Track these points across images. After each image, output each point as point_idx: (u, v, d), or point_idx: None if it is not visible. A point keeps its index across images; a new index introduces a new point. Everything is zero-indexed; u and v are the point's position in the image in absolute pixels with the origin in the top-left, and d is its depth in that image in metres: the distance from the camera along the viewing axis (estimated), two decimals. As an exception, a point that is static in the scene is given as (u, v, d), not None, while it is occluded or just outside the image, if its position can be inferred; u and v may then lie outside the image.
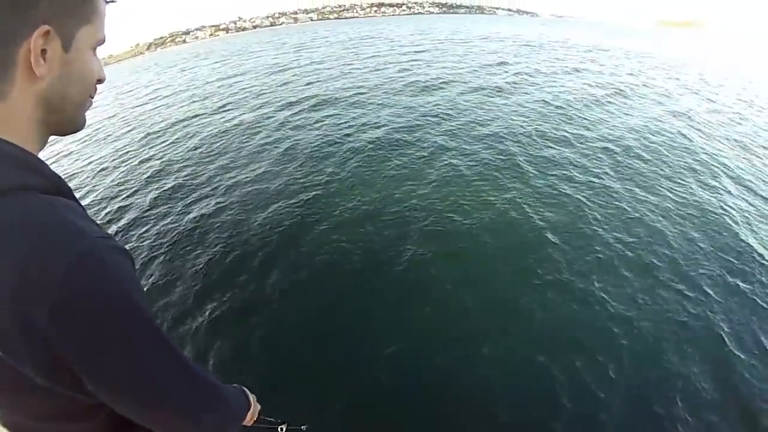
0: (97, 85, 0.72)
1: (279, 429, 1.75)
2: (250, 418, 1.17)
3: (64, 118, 0.67)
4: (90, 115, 0.75)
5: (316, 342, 3.83)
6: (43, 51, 0.58)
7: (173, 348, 0.68)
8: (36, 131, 0.63)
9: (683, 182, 6.65)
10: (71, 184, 0.70)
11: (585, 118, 9.56)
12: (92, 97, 0.71)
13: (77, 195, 1.05)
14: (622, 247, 4.97)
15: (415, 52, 22.08)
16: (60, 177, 0.65)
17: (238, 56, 31.78)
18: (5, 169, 0.55)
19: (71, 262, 0.53)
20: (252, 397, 1.16)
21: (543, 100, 10.96)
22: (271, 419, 1.70)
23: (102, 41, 0.68)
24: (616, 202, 5.99)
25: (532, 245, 5.02)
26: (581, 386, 3.36)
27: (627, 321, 3.98)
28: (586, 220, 5.51)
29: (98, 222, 1.19)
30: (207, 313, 4.23)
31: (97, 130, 13.52)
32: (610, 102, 11.19)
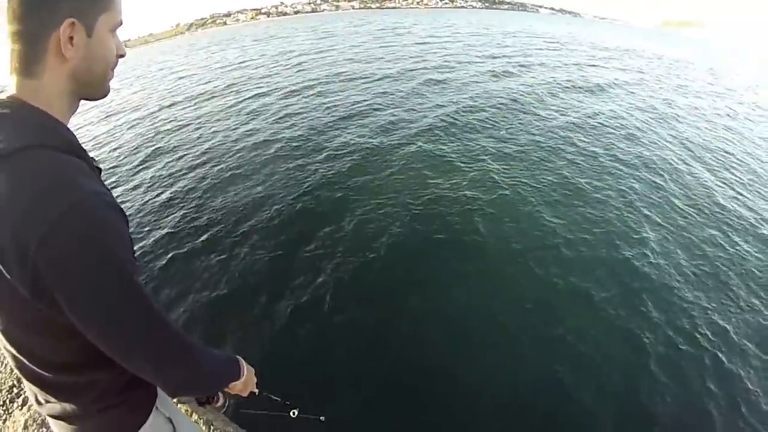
0: (119, 59, 0.86)
1: (291, 413, 1.82)
2: (242, 388, 1.20)
3: (91, 88, 0.82)
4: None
5: (342, 340, 3.77)
6: (71, 38, 0.72)
7: (144, 298, 0.76)
8: (67, 100, 0.79)
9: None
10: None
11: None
12: (113, 70, 0.85)
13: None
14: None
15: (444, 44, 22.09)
16: (74, 140, 0.78)
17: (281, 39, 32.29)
18: (31, 130, 0.71)
19: (63, 208, 0.65)
20: (246, 369, 1.18)
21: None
22: (286, 402, 1.79)
23: (120, 24, 0.82)
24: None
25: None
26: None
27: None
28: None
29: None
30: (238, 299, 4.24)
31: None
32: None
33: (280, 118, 9.80)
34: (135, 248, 3.73)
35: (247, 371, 1.19)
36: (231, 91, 13.68)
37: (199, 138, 9.10)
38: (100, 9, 0.76)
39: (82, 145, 0.81)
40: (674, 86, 15.18)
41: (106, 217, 0.71)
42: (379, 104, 10.21)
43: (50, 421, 0.94)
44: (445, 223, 5.24)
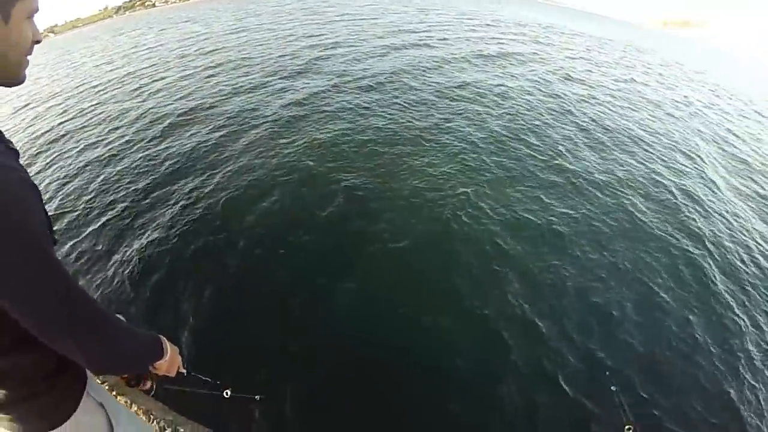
0: (35, 45, 0.89)
1: (224, 393, 1.81)
2: (167, 368, 1.22)
3: (6, 73, 0.85)
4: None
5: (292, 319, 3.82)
6: None
7: (60, 271, 0.81)
8: None
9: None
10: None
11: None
12: (29, 56, 0.89)
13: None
14: None
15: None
16: None
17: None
18: None
19: None
20: (169, 348, 1.20)
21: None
22: (217, 382, 1.80)
23: (36, 11, 0.85)
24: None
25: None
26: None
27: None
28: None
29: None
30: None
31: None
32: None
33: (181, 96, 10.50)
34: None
35: (171, 350, 1.21)
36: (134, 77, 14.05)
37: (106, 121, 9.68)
38: None
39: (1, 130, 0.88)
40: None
41: (18, 192, 0.76)
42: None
43: None
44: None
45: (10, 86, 0.89)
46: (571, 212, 5.66)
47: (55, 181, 6.97)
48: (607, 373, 3.26)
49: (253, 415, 2.95)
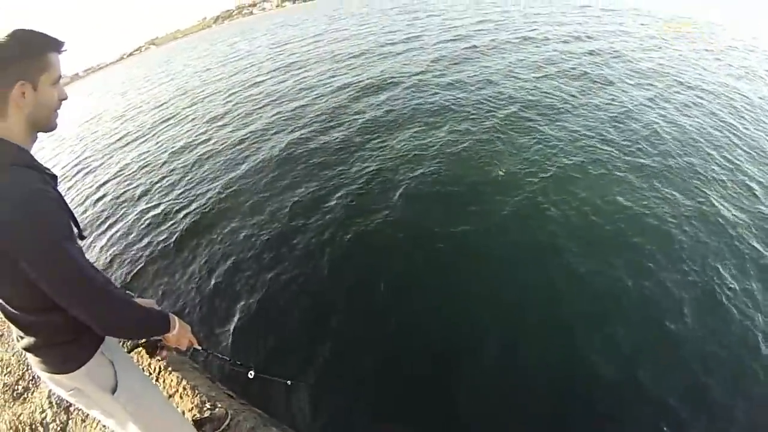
0: (62, 102, 1.21)
1: (249, 374, 2.00)
2: (176, 341, 1.49)
3: (41, 125, 1.16)
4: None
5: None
6: (23, 93, 1.07)
7: (74, 259, 1.08)
8: (27, 134, 1.13)
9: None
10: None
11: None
12: (57, 111, 1.20)
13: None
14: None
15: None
16: (32, 159, 1.14)
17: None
18: (4, 155, 1.06)
19: (15, 203, 1.00)
20: (178, 324, 1.45)
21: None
22: (238, 362, 2.07)
23: (59, 78, 1.15)
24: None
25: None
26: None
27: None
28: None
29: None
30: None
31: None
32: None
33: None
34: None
35: (179, 326, 1.45)
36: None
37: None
38: (40, 70, 1.10)
39: (40, 162, 1.19)
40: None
41: (46, 206, 1.06)
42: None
43: (27, 354, 1.28)
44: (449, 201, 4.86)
45: (46, 132, 1.21)
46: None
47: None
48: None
49: (276, 397, 2.91)
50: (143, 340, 1.78)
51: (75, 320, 1.13)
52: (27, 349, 1.25)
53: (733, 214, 4.41)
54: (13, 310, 1.15)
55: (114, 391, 1.35)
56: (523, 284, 3.66)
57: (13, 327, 1.24)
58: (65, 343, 1.25)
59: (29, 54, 1.08)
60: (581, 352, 3.07)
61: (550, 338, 3.19)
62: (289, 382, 2.15)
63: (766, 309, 3.38)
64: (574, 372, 2.97)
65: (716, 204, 4.55)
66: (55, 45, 1.14)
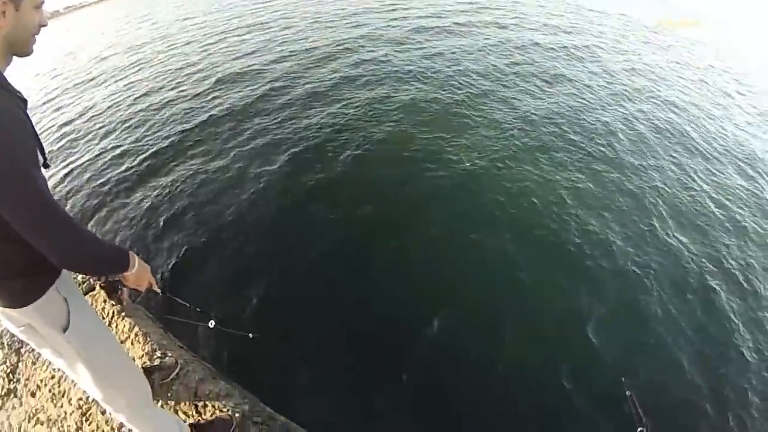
0: (41, 28, 1.20)
1: (209, 324, 2.05)
2: (135, 281, 1.43)
3: (18, 47, 1.15)
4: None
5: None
6: (3, 12, 1.06)
7: (39, 189, 1.05)
8: (2, 55, 1.12)
9: None
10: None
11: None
12: (35, 35, 1.19)
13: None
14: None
15: None
16: (4, 79, 1.11)
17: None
18: None
19: None
20: (137, 263, 1.39)
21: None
22: (197, 308, 2.02)
23: (41, 3, 1.17)
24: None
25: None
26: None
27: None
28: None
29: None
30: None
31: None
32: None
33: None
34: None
35: (139, 266, 1.40)
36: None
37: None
38: None
39: (9, 82, 1.15)
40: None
41: (15, 128, 1.05)
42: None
43: None
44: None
45: (21, 56, 1.20)
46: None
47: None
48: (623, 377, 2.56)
49: (231, 352, 2.97)
50: (102, 281, 1.88)
51: (30, 254, 1.11)
52: None
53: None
54: None
55: (65, 329, 1.32)
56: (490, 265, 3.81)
57: None
58: (19, 277, 1.23)
59: None
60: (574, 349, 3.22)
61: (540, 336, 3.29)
62: (250, 335, 2.16)
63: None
64: (571, 368, 3.06)
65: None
66: None
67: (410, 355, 3.05)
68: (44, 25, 1.22)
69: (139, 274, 1.42)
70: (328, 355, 3.04)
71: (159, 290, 1.66)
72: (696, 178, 5.39)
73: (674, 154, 5.86)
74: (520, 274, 3.72)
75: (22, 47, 1.17)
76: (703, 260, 4.16)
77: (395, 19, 12.83)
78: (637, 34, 12.36)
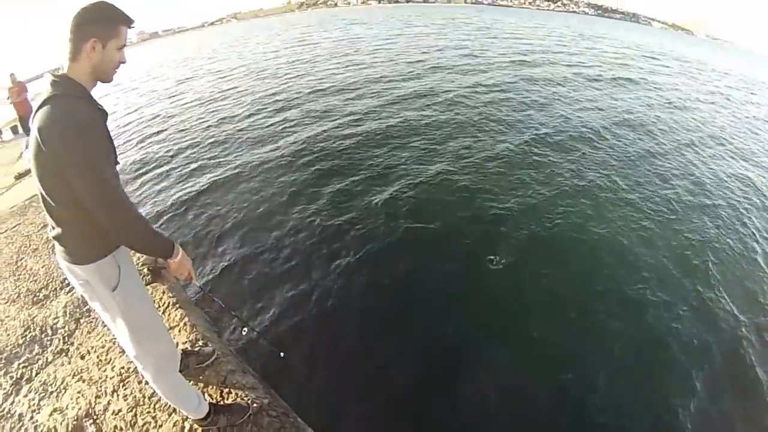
0: (121, 64, 1.51)
1: (243, 330, 2.46)
2: (176, 269, 1.68)
3: (101, 77, 1.46)
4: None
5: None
6: (93, 47, 1.38)
7: (104, 176, 1.34)
8: (89, 79, 1.43)
9: None
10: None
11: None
12: (116, 69, 1.50)
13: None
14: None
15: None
16: (89, 94, 1.43)
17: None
18: (65, 87, 1.36)
19: (74, 121, 1.30)
20: (181, 254, 1.66)
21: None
22: (233, 312, 2.38)
23: (123, 46, 1.47)
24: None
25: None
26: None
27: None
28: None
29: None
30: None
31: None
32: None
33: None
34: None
35: (182, 256, 1.67)
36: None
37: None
38: (111, 36, 1.42)
39: (94, 98, 1.46)
40: None
41: (95, 129, 1.36)
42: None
43: (54, 243, 1.54)
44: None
45: (104, 83, 1.52)
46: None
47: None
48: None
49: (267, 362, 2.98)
50: (151, 264, 2.38)
51: (100, 225, 1.41)
52: (56, 238, 1.51)
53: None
54: (51, 202, 1.41)
55: (114, 289, 1.57)
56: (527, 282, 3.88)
57: (48, 218, 1.49)
58: (86, 239, 1.50)
59: (106, 22, 1.40)
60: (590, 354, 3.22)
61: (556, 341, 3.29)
62: (282, 354, 2.25)
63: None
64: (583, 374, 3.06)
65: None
66: (127, 21, 1.46)
67: (439, 379, 3.05)
68: (123, 62, 1.52)
69: (180, 263, 1.67)
70: (360, 371, 3.09)
71: (197, 284, 1.92)
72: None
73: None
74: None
75: (104, 77, 1.48)
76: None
77: (472, 65, 13.04)
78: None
